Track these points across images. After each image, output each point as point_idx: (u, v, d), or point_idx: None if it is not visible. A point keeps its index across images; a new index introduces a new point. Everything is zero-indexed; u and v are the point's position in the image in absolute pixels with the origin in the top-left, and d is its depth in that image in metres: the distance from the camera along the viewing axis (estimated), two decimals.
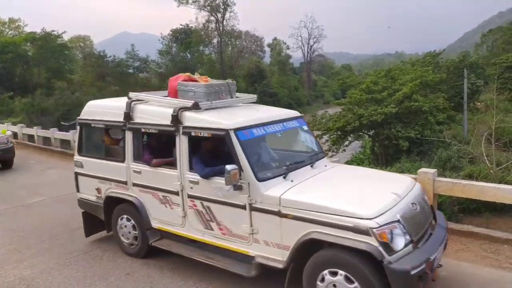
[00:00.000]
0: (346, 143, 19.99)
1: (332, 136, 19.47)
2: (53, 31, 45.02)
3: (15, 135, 16.88)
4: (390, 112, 17.18)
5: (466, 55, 32.65)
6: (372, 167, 14.39)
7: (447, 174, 13.37)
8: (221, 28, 50.77)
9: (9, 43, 42.22)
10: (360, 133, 20.05)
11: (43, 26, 55.49)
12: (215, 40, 52.44)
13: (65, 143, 14.15)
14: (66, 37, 49.16)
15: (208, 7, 49.90)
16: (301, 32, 69.15)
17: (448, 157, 14.70)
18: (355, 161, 20.70)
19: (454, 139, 16.75)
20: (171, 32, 55.84)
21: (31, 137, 15.94)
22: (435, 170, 5.52)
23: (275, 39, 67.60)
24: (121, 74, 47.28)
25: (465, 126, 22.36)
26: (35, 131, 15.54)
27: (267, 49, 64.72)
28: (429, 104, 18.15)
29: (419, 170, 5.58)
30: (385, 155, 18.72)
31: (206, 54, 54.28)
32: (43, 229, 6.30)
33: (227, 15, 50.50)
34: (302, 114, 5.43)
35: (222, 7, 50.00)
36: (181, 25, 54.93)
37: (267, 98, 53.02)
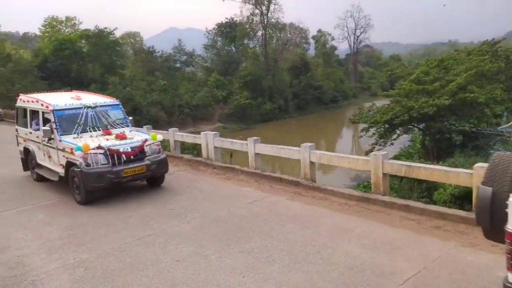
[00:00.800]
0: (394, 136, 19.27)
1: (379, 129, 18.85)
2: (105, 28, 47.14)
3: None
4: (442, 104, 16.33)
5: None
6: (423, 162, 13.85)
7: None
8: (265, 20, 50.63)
9: (66, 41, 44.80)
10: (409, 126, 19.23)
11: (96, 23, 58.55)
12: (259, 33, 52.43)
13: None
14: (117, 34, 51.31)
15: (253, 0, 49.91)
16: (347, 22, 67.42)
17: (506, 151, 13.77)
18: (404, 155, 19.96)
19: None
20: (216, 26, 56.53)
21: None
22: None
23: (319, 30, 66.45)
24: (169, 69, 48.63)
25: None
26: None
27: (311, 41, 63.78)
28: (486, 95, 17.03)
29: (475, 165, 5.33)
30: (436, 150, 17.85)
31: (250, 47, 54.45)
32: (100, 216, 6.69)
33: (271, 7, 50.25)
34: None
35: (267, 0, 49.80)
36: (226, 19, 55.46)
37: (311, 91, 52.39)
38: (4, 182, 9.36)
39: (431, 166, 6.42)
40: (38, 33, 60.95)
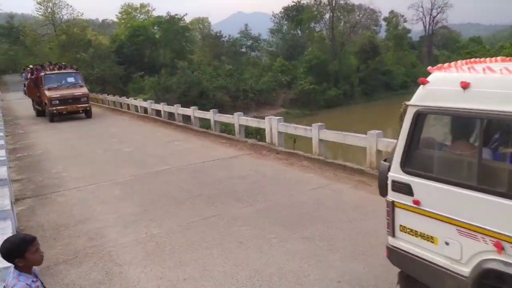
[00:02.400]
0: None
1: None
2: (176, 14, 48.89)
3: (145, 110, 19.08)
4: None
5: None
6: None
7: None
8: (333, 2, 49.09)
9: (140, 27, 47.27)
10: None
11: (168, 9, 61.06)
12: (326, 16, 51.01)
13: (186, 118, 15.49)
14: (187, 20, 52.98)
15: None
16: (422, 2, 62.98)
17: None
18: None
19: None
20: (282, 10, 56.01)
21: (158, 112, 17.83)
22: None
23: (392, 11, 62.84)
24: (235, 53, 49.37)
25: None
26: (162, 106, 17.32)
27: (382, 23, 60.66)
28: None
29: None
30: None
31: (316, 31, 53.28)
32: (170, 195, 7.08)
33: None
34: None
35: None
36: (293, 2, 54.67)
37: (380, 76, 50.09)
38: None
39: None
40: (115, 19, 64.97)
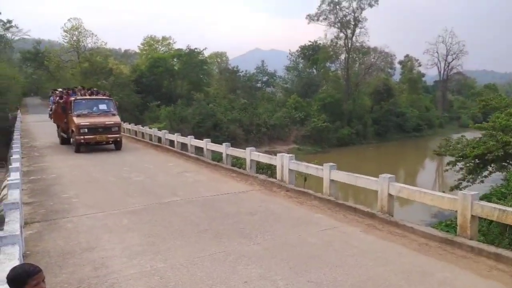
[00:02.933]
0: (485, 173, 17.62)
1: (468, 164, 17.38)
2: (196, 48, 50.47)
3: (159, 139, 19.32)
4: None
5: None
6: None
7: None
8: (349, 44, 50.19)
9: (160, 59, 48.83)
10: (503, 164, 17.47)
11: (188, 43, 63.30)
12: (342, 56, 52.06)
13: (199, 150, 15.62)
14: (206, 53, 54.59)
15: (338, 24, 49.90)
16: (438, 48, 64.04)
17: None
18: (495, 195, 18.02)
19: None
20: (299, 49, 57.38)
21: (171, 142, 18.03)
22: None
23: (407, 56, 63.88)
24: (250, 88, 50.30)
25: None
26: (175, 137, 17.54)
27: (397, 66, 61.53)
28: None
29: None
30: None
31: (332, 70, 54.18)
32: (177, 227, 7.04)
33: (357, 31, 49.83)
34: None
35: (353, 23, 49.46)
36: (309, 42, 56.04)
37: (393, 117, 50.20)
38: None
39: None
40: (137, 50, 67.27)
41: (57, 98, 19.11)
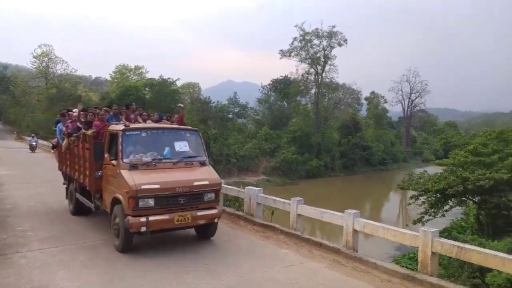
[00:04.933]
0: (446, 207, 18.23)
1: (430, 198, 17.96)
2: (169, 78, 50.61)
3: None
4: (500, 178, 15.38)
5: None
6: (475, 238, 12.82)
7: None
8: (319, 79, 51.85)
9: (132, 87, 48.48)
10: (463, 199, 18.17)
11: (161, 73, 63.46)
12: (312, 91, 53.58)
13: None
14: (179, 84, 54.80)
15: (309, 60, 51.62)
16: (402, 86, 67.21)
17: None
18: (455, 228, 18.68)
19: None
20: (271, 82, 58.63)
21: None
22: None
23: (372, 92, 66.60)
24: (221, 119, 50.48)
25: None
26: None
27: (364, 102, 63.95)
28: None
29: None
30: (492, 226, 16.57)
31: (302, 104, 55.49)
32: (137, 263, 6.77)
33: (326, 67, 51.60)
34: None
35: (323, 60, 51.30)
36: (281, 76, 57.43)
37: (360, 151, 51.62)
38: None
39: (486, 250, 5.93)
40: (108, 78, 66.69)
41: (76, 123, 9.62)
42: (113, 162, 7.40)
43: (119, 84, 54.76)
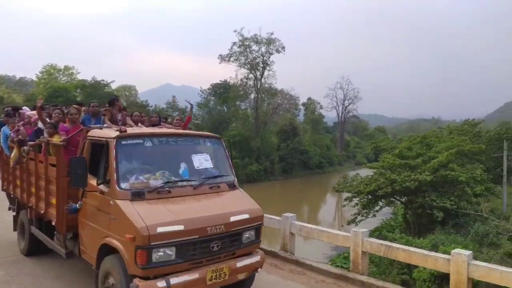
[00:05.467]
0: (377, 208, 19.38)
1: (362, 200, 18.98)
2: (102, 80, 48.31)
3: None
4: (424, 180, 16.67)
5: (507, 126, 31.72)
6: (403, 236, 13.76)
7: (484, 250, 12.56)
8: (258, 85, 52.60)
9: (60, 89, 45.48)
10: (392, 199, 19.44)
11: (93, 74, 60.37)
12: (252, 96, 54.18)
13: None
14: (114, 86, 52.50)
15: (248, 65, 52.18)
16: (336, 93, 70.42)
17: (485, 232, 13.87)
18: (385, 227, 19.90)
19: (492, 214, 15.86)
20: (210, 86, 58.33)
21: None
22: (471, 252, 5.23)
23: (309, 98, 69.01)
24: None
25: (504, 200, 21.20)
26: None
27: (301, 107, 65.99)
28: (466, 174, 17.50)
29: (453, 251, 5.31)
30: (418, 224, 17.90)
31: (242, 109, 55.91)
32: (64, 277, 6.33)
33: (265, 73, 52.48)
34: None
35: (262, 65, 52.14)
36: (220, 80, 57.41)
37: (298, 155, 53.19)
38: None
39: (410, 248, 6.38)
40: (34, 78, 62.00)
41: (25, 126, 7.03)
42: (102, 188, 4.74)
43: (47, 85, 51.14)
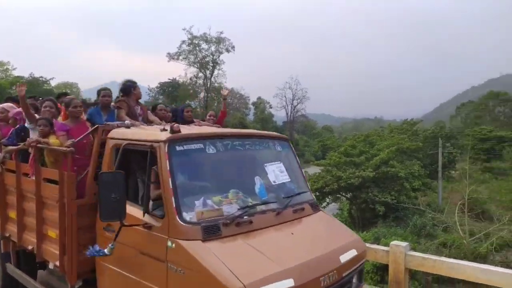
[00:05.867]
0: (324, 204, 20.02)
1: None
2: (41, 77, 45.49)
3: None
4: (367, 176, 17.50)
5: (442, 125, 34.14)
6: None
7: (422, 241, 13.45)
8: (208, 84, 52.25)
9: None
10: (338, 195, 20.19)
11: (31, 71, 56.36)
12: (201, 95, 53.72)
13: None
14: (53, 83, 49.61)
15: (198, 64, 51.65)
16: (285, 92, 71.72)
17: (423, 224, 14.86)
18: None
19: (429, 207, 17.00)
20: (159, 85, 57.03)
21: None
22: (407, 244, 5.54)
23: (259, 98, 69.77)
24: None
25: (440, 194, 22.81)
26: None
27: (251, 107, 66.57)
28: (405, 170, 18.62)
29: (391, 243, 5.58)
30: (362, 219, 18.75)
31: (192, 107, 55.28)
32: None
33: (215, 72, 52.27)
34: None
35: (211, 65, 51.83)
36: (169, 79, 56.32)
37: None
38: None
39: None
40: None
41: (6, 126, 5.50)
42: (148, 220, 3.11)
43: None
